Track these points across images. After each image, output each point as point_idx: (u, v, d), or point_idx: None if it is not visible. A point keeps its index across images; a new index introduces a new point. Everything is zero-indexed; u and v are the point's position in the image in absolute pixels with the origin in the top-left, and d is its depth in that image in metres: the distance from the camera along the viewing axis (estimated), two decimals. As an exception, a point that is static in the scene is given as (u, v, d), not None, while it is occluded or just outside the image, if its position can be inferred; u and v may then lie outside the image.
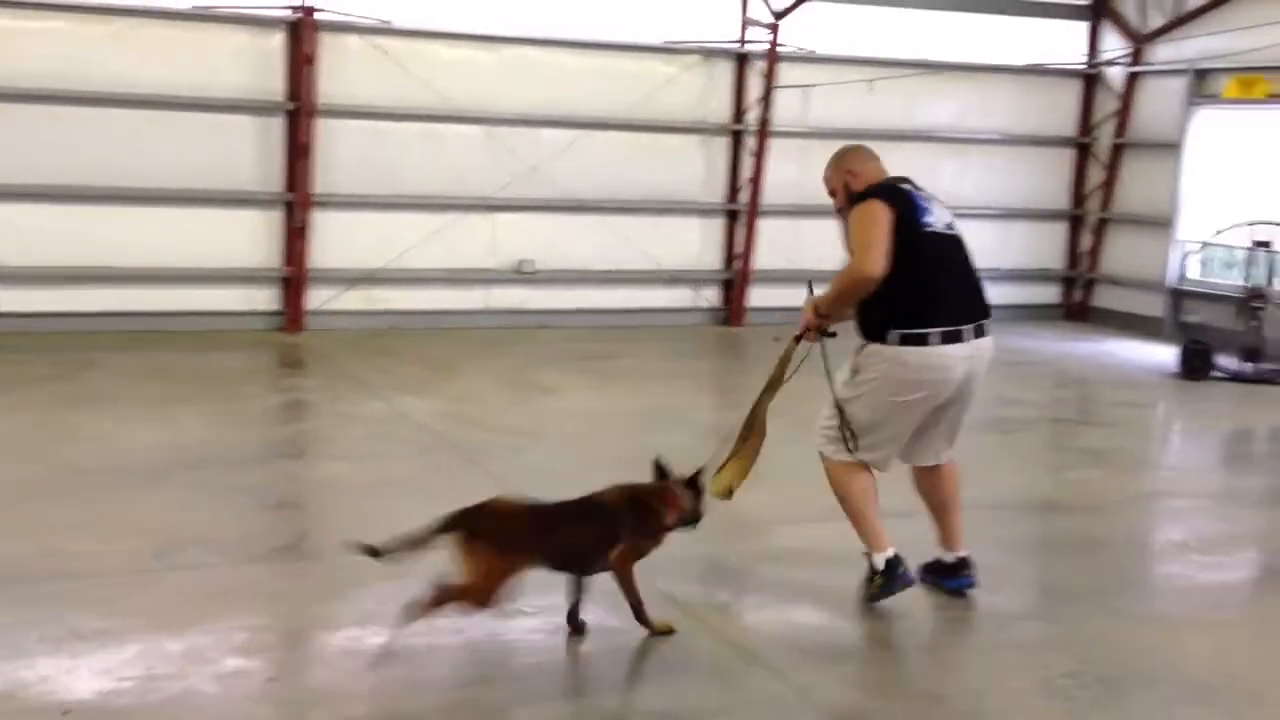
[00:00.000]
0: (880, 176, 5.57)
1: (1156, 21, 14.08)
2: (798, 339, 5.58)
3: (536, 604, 5.37)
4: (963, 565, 5.63)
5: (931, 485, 5.66)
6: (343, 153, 11.97)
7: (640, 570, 5.76)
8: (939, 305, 5.31)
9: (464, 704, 4.49)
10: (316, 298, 12.01)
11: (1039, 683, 4.84)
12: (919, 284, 5.25)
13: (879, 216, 5.24)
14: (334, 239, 12.02)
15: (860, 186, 5.47)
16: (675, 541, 6.33)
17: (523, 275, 12.67)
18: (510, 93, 12.46)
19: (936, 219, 5.45)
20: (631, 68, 12.95)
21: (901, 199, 5.37)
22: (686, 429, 8.91)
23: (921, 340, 5.22)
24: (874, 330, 5.33)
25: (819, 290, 5.51)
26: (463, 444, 8.02)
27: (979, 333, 5.36)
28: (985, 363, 5.42)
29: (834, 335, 5.50)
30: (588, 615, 5.29)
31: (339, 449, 8.06)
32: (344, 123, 11.96)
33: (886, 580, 5.40)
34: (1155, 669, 5.07)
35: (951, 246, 5.51)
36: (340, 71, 11.86)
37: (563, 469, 7.58)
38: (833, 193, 5.63)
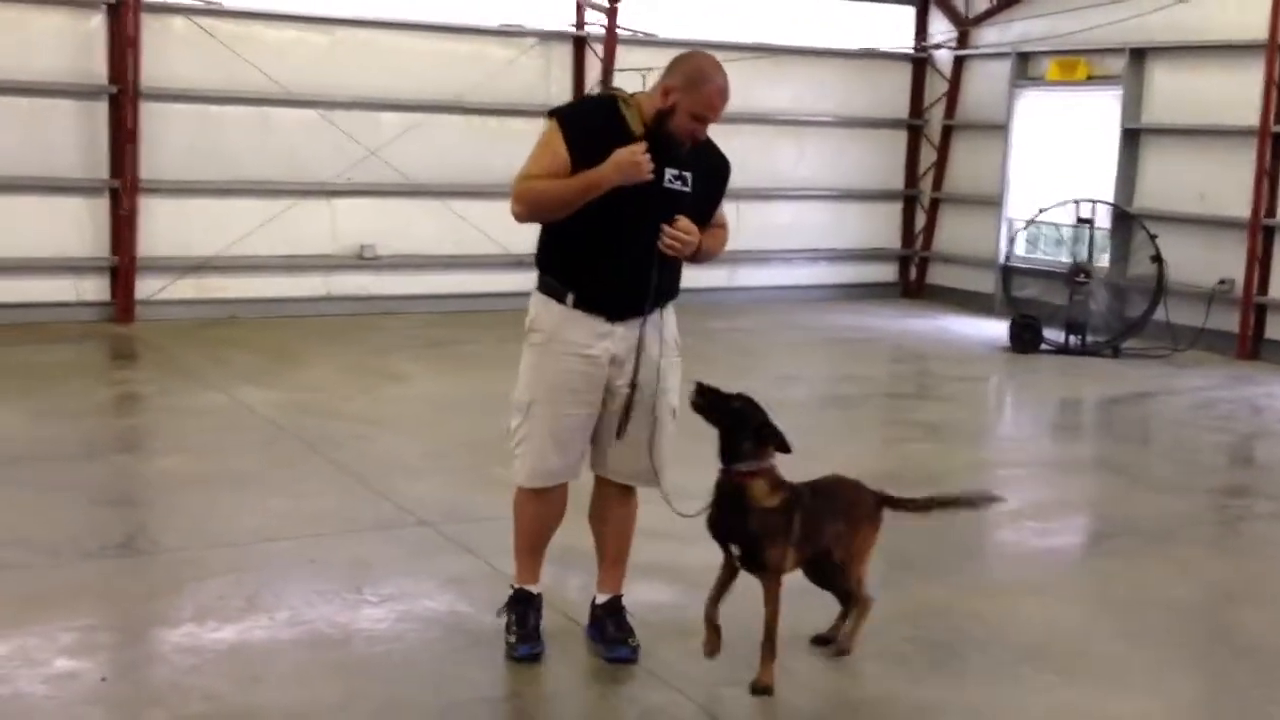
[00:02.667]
0: None
1: (982, 6, 14.51)
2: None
3: (381, 592, 5.32)
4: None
5: None
6: (171, 138, 11.60)
7: (488, 551, 5.76)
8: None
9: (306, 698, 4.40)
10: (147, 287, 11.63)
11: (878, 650, 4.94)
12: None
13: None
14: (165, 226, 11.65)
15: None
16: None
17: (364, 261, 12.47)
18: (345, 76, 12.23)
19: None
20: (469, 50, 12.83)
21: None
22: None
23: None
24: (674, 291, 4.94)
25: None
26: (305, 434, 7.86)
27: None
28: None
29: None
30: (437, 601, 5.26)
31: (175, 443, 7.83)
32: (171, 106, 11.59)
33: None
34: (989, 632, 5.24)
35: None
36: (165, 54, 11.48)
37: (412, 457, 7.51)
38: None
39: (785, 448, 4.50)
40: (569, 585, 5.54)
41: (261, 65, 11.75)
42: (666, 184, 4.58)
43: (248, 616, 5.01)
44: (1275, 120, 11.57)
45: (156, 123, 11.51)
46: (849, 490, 4.91)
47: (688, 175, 4.66)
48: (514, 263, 13.09)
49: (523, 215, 4.67)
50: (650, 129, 4.56)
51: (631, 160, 4.41)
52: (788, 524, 4.50)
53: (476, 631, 4.98)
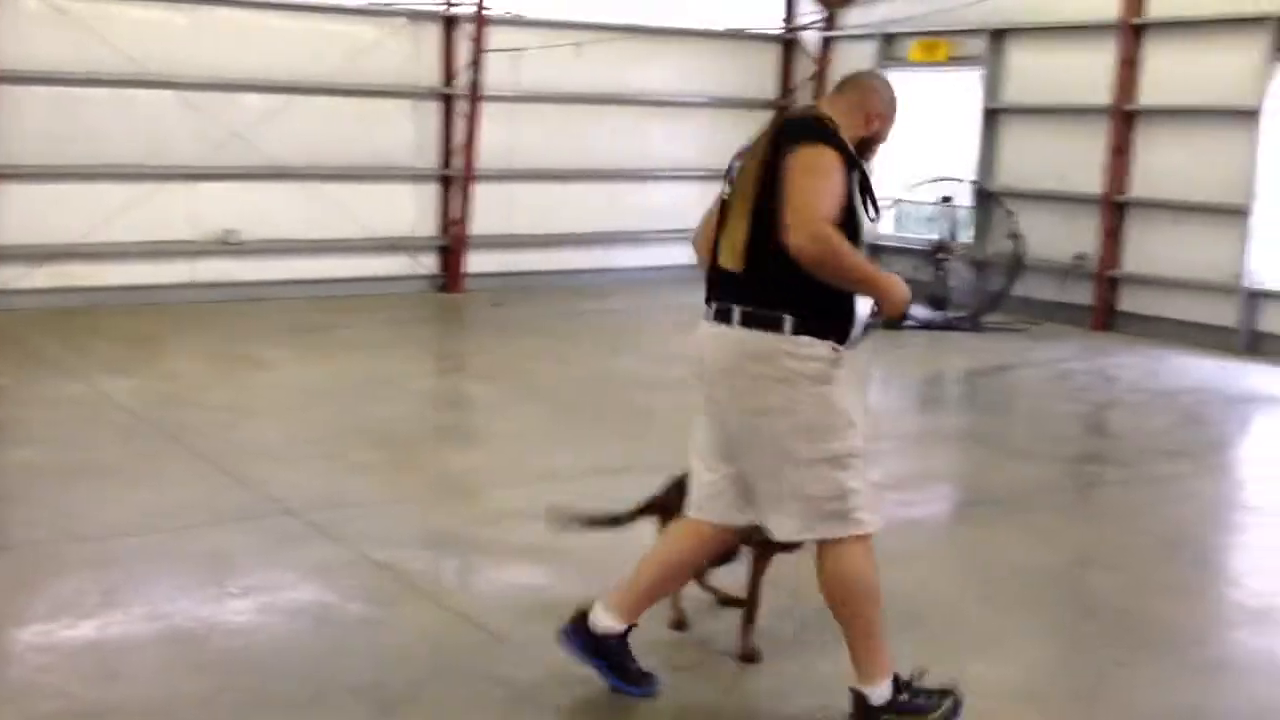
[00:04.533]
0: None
1: (848, -13, 14.73)
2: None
3: (244, 584, 5.24)
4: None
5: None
6: (26, 121, 11.24)
7: (354, 539, 5.71)
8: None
9: (165, 694, 4.32)
10: (5, 275, 11.27)
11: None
12: None
13: None
14: (20, 213, 11.27)
15: None
16: (390, 510, 6.32)
17: (229, 246, 12.22)
18: (207, 56, 11.96)
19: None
20: (335, 30, 12.64)
21: None
22: (407, 398, 8.85)
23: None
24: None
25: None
26: (169, 424, 7.70)
27: (719, 316, 4.18)
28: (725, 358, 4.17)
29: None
30: (302, 591, 5.22)
31: (33, 434, 7.60)
32: (25, 89, 11.23)
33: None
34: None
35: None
36: (18, 34, 11.11)
37: (278, 445, 7.41)
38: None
39: None
40: (445, 569, 5.52)
41: (121, 46, 11.44)
42: (865, 209, 4.17)
43: (105, 612, 4.90)
44: (1126, 99, 11.95)
45: (11, 106, 11.14)
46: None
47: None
48: (382, 246, 13.01)
49: (816, 268, 3.94)
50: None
51: (906, 298, 4.14)
52: None
53: (342, 621, 4.95)
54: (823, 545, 4.16)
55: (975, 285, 12.39)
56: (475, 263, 13.38)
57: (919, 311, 12.03)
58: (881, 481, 7.19)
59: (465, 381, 9.95)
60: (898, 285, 4.12)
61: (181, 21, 11.93)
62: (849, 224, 4.01)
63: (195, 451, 7.15)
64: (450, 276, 13.35)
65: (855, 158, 4.13)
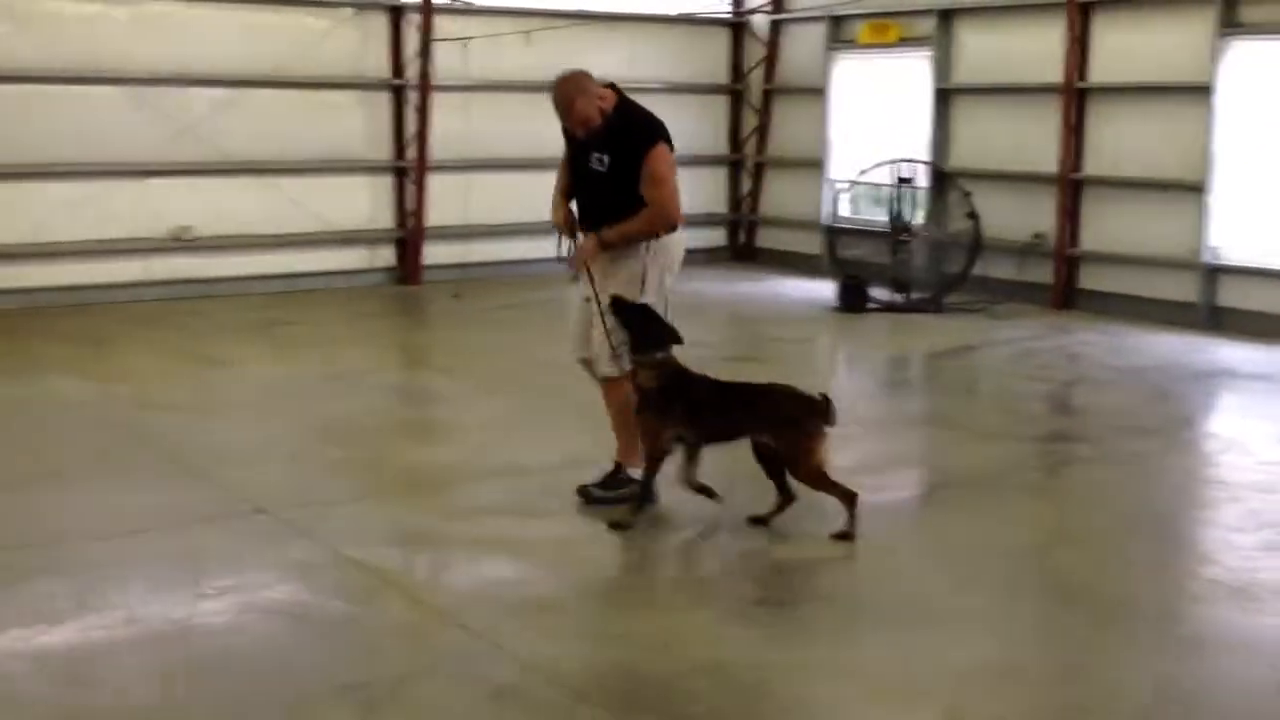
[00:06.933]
0: (611, 96, 5.95)
1: (797, -31, 14.72)
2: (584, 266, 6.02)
3: (219, 584, 5.17)
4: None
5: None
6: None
7: (327, 536, 5.65)
8: None
9: (147, 699, 4.25)
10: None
11: (723, 612, 5.03)
12: None
13: (673, 162, 5.97)
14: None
15: (609, 108, 5.89)
16: (361, 506, 6.25)
17: (182, 243, 12.04)
18: (152, 51, 11.77)
19: None
20: (281, 22, 12.48)
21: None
22: (371, 393, 8.75)
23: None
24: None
25: None
26: (127, 425, 7.58)
27: None
28: None
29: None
30: (279, 591, 5.15)
31: (-13, 439, 7.46)
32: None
33: (645, 493, 5.87)
34: (833, 590, 5.38)
35: None
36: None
37: (243, 444, 7.31)
38: (589, 120, 5.88)
39: (677, 339, 5.86)
40: (419, 565, 5.47)
41: (62, 42, 11.24)
42: (591, 166, 5.94)
43: (80, 617, 4.82)
44: (1077, 77, 12.03)
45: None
46: (773, 396, 5.79)
47: (606, 157, 5.90)
48: (339, 240, 12.89)
49: None
50: None
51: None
52: (664, 404, 5.71)
53: (320, 620, 4.89)
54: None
55: (934, 266, 12.43)
56: (433, 254, 13.27)
57: (880, 294, 12.08)
58: (850, 466, 7.23)
59: (429, 375, 9.86)
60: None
61: (122, 15, 11.73)
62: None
63: (158, 452, 7.04)
64: (409, 269, 13.23)
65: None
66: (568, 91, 5.89)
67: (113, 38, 11.62)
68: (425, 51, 12.91)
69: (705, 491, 5.95)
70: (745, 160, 15.47)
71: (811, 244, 14.31)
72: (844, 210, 14.01)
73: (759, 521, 5.86)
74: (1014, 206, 12.49)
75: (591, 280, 5.98)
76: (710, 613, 5.04)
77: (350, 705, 4.23)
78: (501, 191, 13.58)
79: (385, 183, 13.27)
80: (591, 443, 7.20)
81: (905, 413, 8.86)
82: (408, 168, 13.15)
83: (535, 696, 4.31)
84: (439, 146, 13.12)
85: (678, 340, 5.88)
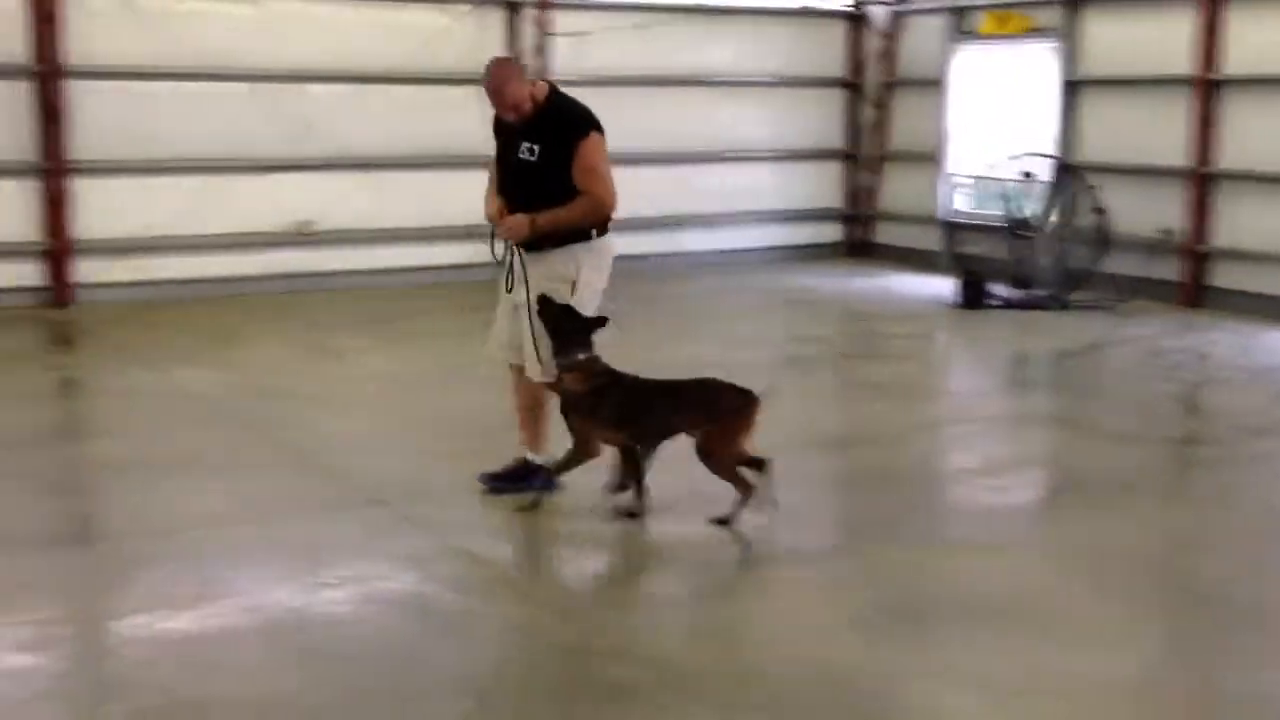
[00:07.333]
0: (545, 86, 5.92)
1: (918, -39, 14.47)
2: (513, 250, 5.95)
3: (339, 574, 5.21)
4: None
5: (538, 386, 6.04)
6: (99, 117, 11.30)
7: (444, 529, 5.65)
8: None
9: (266, 687, 4.29)
10: (84, 270, 11.37)
11: (839, 617, 4.90)
12: None
13: (606, 151, 5.86)
14: (97, 208, 11.36)
15: (541, 98, 5.82)
16: (478, 500, 6.26)
17: (304, 236, 12.24)
18: (276, 48, 11.97)
19: None
20: (400, 19, 12.59)
21: None
22: (487, 387, 8.76)
23: (607, 230, 5.97)
24: (577, 234, 5.85)
25: None
26: (250, 415, 7.70)
27: None
28: None
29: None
30: (398, 582, 5.17)
31: (116, 427, 7.64)
32: (97, 84, 11.29)
33: (556, 475, 5.98)
34: (954, 595, 5.20)
35: None
36: (88, 31, 11.16)
37: (361, 435, 7.38)
38: (519, 104, 5.78)
39: (600, 323, 5.76)
40: (535, 559, 5.45)
41: (190, 39, 11.48)
42: (520, 156, 5.82)
43: (201, 604, 4.88)
44: (1210, 69, 11.63)
45: (84, 102, 11.22)
46: (709, 389, 5.69)
47: (536, 147, 5.78)
48: (455, 235, 12.94)
49: None
50: None
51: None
52: (594, 405, 5.64)
53: (438, 612, 4.89)
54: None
55: (1059, 263, 12.12)
56: (547, 249, 13.29)
57: (1000, 290, 11.82)
58: (973, 466, 7.08)
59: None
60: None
61: (249, 14, 11.94)
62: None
63: (278, 442, 7.14)
64: (522, 263, 13.27)
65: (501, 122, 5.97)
66: (500, 74, 5.83)
67: (240, 35, 11.84)
68: (541, 46, 12.94)
69: (631, 511, 5.79)
70: (862, 154, 15.26)
71: (929, 239, 14.05)
72: (964, 205, 13.73)
73: (721, 522, 5.66)
74: (1142, 201, 12.11)
75: (526, 280, 5.86)
76: (829, 614, 4.94)
77: (465, 699, 4.23)
78: (659, 180, 13.50)
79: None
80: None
81: (1028, 412, 8.63)
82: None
83: (648, 695, 4.25)
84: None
85: (601, 324, 5.78)
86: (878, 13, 14.92)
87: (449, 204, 12.85)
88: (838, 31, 15.10)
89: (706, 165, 14.20)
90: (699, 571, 5.41)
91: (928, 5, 14.29)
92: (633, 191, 13.45)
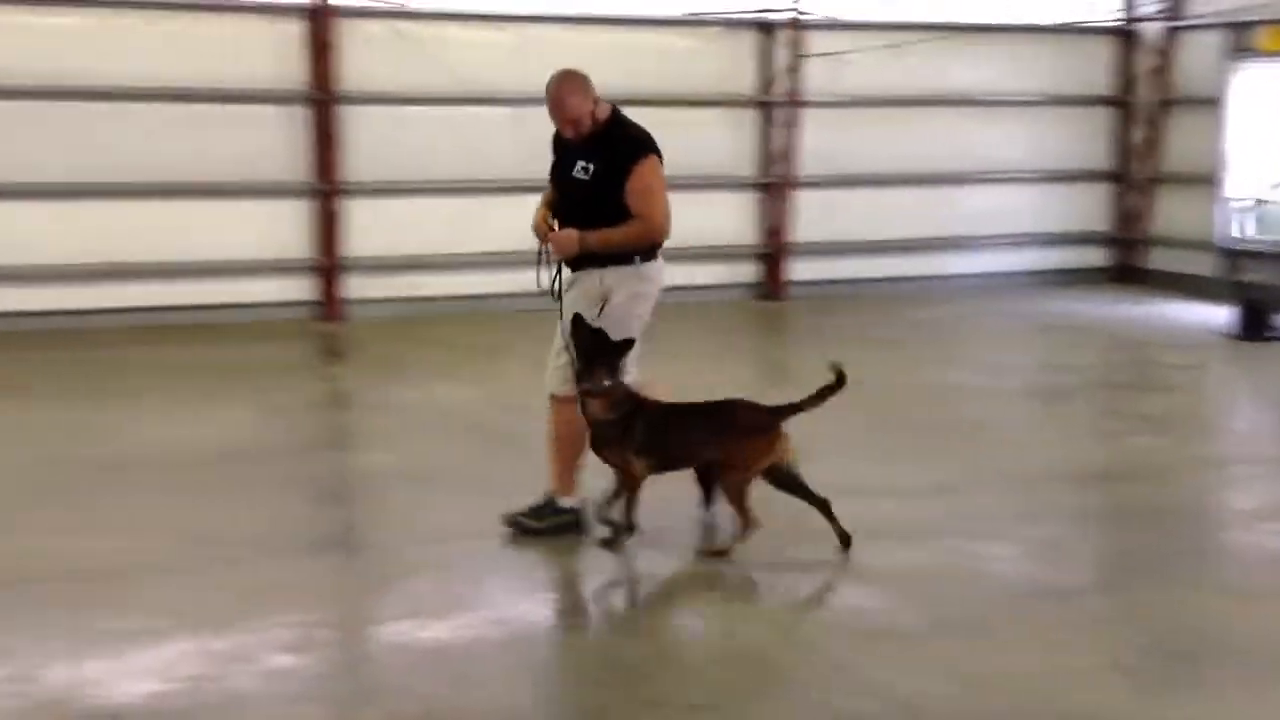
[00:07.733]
0: (607, 106, 5.81)
1: (1194, -27, 13.77)
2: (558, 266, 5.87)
3: (578, 591, 5.25)
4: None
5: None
6: (368, 140, 11.83)
7: (677, 547, 5.60)
8: None
9: (515, 699, 4.34)
10: (352, 287, 11.92)
11: (1104, 661, 4.62)
12: None
13: (663, 175, 5.79)
14: (367, 227, 11.90)
15: (602, 117, 5.75)
16: (707, 520, 6.20)
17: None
18: (531, 73, 12.22)
19: None
20: (652, 42, 12.75)
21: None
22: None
23: (655, 256, 5.83)
24: (620, 257, 5.72)
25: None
26: (506, 430, 7.87)
27: None
28: None
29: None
30: (640, 602, 5.16)
31: (381, 439, 7.93)
32: (366, 109, 11.83)
33: (569, 521, 5.76)
34: (1230, 643, 4.84)
35: None
36: (360, 58, 11.73)
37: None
38: (579, 120, 5.73)
39: (628, 347, 5.58)
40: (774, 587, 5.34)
41: (452, 65, 11.89)
42: (573, 174, 5.76)
43: (453, 615, 4.99)
44: None
45: (353, 125, 11.77)
46: (728, 410, 5.62)
47: (591, 166, 5.70)
48: (703, 255, 12.99)
49: None
50: None
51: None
52: (623, 432, 5.48)
53: (674, 634, 4.87)
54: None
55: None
56: (798, 270, 13.22)
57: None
58: (1251, 508, 6.62)
59: (793, 392, 9.75)
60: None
61: (507, 40, 12.29)
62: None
63: (531, 459, 7.23)
64: (772, 284, 13.23)
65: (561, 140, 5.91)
66: (564, 88, 5.75)
67: (498, 61, 12.19)
68: (794, 68, 12.88)
69: (611, 542, 5.66)
70: (1131, 176, 14.57)
71: (1204, 265, 13.26)
72: (1244, 230, 12.92)
73: (717, 554, 5.56)
74: None
75: (561, 296, 5.84)
76: (1087, 660, 4.66)
77: (702, 714, 4.17)
78: (869, 208, 13.37)
79: (749, 199, 13.31)
80: (960, 470, 6.94)
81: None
82: (774, 183, 13.15)
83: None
84: (806, 161, 13.05)
85: (628, 348, 5.62)
86: (1150, 29, 14.26)
87: (699, 224, 12.89)
88: (1104, 48, 14.51)
89: (965, 187, 13.84)
90: (939, 604, 5.19)
91: (1205, 20, 13.56)
92: (889, 214, 13.56)
